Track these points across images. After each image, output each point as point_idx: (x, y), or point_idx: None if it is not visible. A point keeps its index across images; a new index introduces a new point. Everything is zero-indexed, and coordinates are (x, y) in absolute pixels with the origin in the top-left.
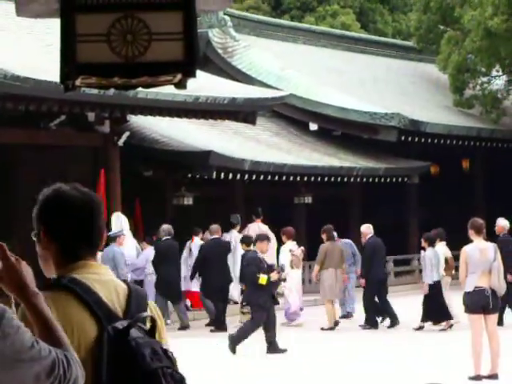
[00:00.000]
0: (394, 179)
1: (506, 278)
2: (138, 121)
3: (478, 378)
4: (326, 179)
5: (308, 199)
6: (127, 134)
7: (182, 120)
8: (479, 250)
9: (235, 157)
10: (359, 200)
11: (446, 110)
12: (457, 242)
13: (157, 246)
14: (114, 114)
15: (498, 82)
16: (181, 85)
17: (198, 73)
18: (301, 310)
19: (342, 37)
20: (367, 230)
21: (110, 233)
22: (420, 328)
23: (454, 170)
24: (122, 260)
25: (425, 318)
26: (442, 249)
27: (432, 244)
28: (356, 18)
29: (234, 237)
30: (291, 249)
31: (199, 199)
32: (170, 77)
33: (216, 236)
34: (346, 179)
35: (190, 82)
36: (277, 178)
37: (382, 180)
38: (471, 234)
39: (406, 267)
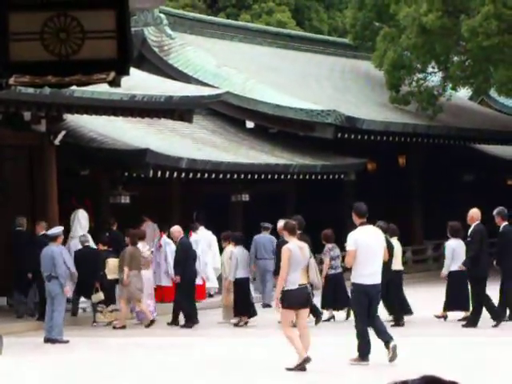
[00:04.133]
0: (331, 176)
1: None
2: (75, 119)
3: (307, 360)
4: (262, 176)
5: (245, 197)
6: (63, 132)
7: (119, 118)
8: (299, 248)
9: (172, 155)
10: (295, 197)
11: (382, 106)
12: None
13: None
14: (50, 112)
15: (434, 78)
16: (115, 83)
17: (134, 71)
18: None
19: (278, 34)
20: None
21: (49, 232)
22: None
23: (391, 166)
24: (60, 259)
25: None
26: (396, 243)
27: (455, 235)
28: (292, 15)
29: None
30: (142, 250)
31: (136, 198)
32: (103, 75)
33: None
34: (282, 176)
35: (126, 81)
36: (214, 175)
37: (319, 177)
38: (285, 235)
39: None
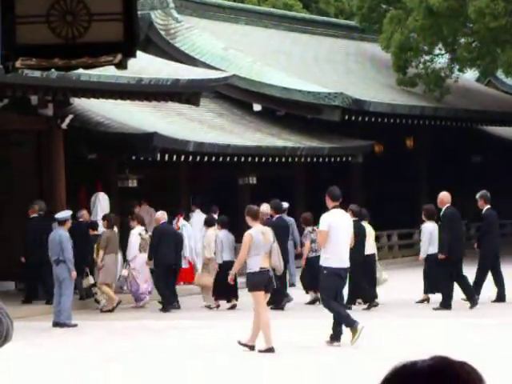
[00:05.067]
0: (338, 159)
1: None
2: (82, 103)
3: (270, 350)
4: (270, 159)
5: (252, 180)
6: (71, 116)
7: (126, 102)
8: (262, 233)
9: (179, 138)
10: (303, 180)
11: (389, 88)
12: (405, 220)
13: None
14: (57, 96)
15: (441, 60)
16: (121, 65)
17: (141, 55)
18: (149, 293)
19: (285, 17)
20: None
21: (57, 215)
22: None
23: (398, 148)
24: (68, 244)
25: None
26: (367, 227)
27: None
28: None
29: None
30: (140, 232)
31: (144, 181)
32: (110, 57)
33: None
34: (290, 159)
35: (133, 64)
36: (221, 159)
37: (326, 160)
38: (248, 220)
39: None
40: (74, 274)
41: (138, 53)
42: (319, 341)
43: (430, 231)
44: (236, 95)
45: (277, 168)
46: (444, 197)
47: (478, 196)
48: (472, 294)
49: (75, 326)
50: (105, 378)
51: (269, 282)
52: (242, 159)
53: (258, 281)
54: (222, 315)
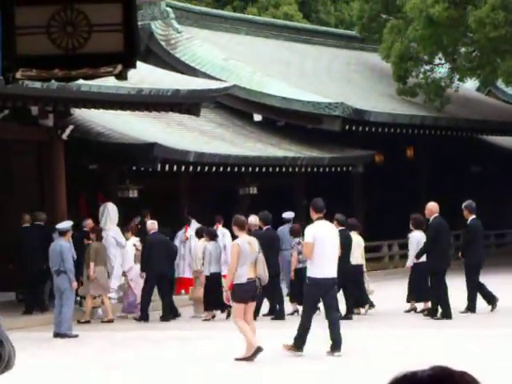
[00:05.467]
0: (339, 168)
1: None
2: (82, 114)
3: (259, 350)
4: (270, 170)
5: (253, 190)
6: (71, 127)
7: (126, 112)
8: (248, 243)
9: (179, 149)
10: (304, 190)
11: (389, 98)
12: (405, 230)
13: None
14: (57, 107)
15: (441, 69)
16: (121, 76)
17: (142, 65)
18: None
19: (285, 27)
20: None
21: (58, 226)
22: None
23: (399, 158)
24: (69, 254)
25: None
26: (356, 238)
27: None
28: (298, 8)
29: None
30: (135, 243)
31: (144, 192)
32: (110, 68)
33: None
34: (290, 169)
35: (134, 75)
36: (222, 169)
37: (327, 169)
38: (235, 230)
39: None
40: (75, 284)
41: (139, 63)
42: (319, 350)
43: (417, 240)
44: (236, 105)
45: (277, 178)
46: (432, 207)
47: (463, 206)
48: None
49: (76, 336)
50: None
51: (255, 292)
52: (243, 169)
53: (244, 292)
54: (221, 326)
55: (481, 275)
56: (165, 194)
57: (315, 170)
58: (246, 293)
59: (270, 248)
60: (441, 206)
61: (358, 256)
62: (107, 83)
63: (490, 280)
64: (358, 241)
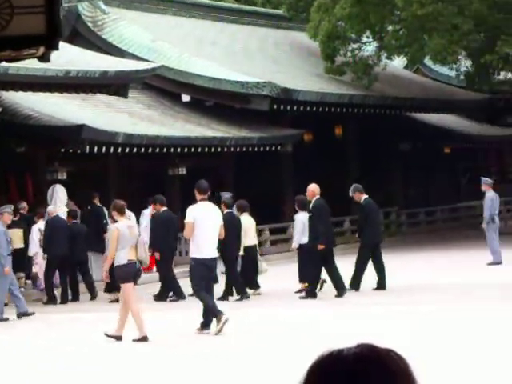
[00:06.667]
0: (268, 148)
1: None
2: (10, 96)
3: (144, 339)
4: (199, 150)
5: (182, 170)
6: None
7: (54, 95)
8: (128, 228)
9: (108, 130)
10: (233, 170)
11: (317, 77)
12: (338, 209)
13: None
14: None
15: (369, 48)
16: (44, 58)
17: (69, 47)
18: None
19: (212, 7)
20: None
21: None
22: (300, 291)
23: (328, 136)
24: (3, 238)
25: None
26: (247, 219)
27: (304, 208)
28: None
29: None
30: (40, 228)
31: (73, 174)
32: (33, 50)
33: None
34: (219, 149)
35: (61, 56)
36: (150, 150)
37: (256, 149)
38: (114, 214)
39: (283, 235)
40: (7, 269)
41: (66, 45)
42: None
43: (302, 221)
44: (164, 86)
45: (206, 158)
46: (314, 188)
47: (351, 191)
48: (342, 284)
49: (6, 319)
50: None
51: (136, 274)
52: (172, 150)
53: (126, 273)
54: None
55: (410, 252)
56: (94, 176)
57: (244, 149)
58: (128, 273)
59: (232, 231)
60: (370, 183)
61: (249, 237)
62: (35, 65)
63: (415, 257)
64: (250, 222)
